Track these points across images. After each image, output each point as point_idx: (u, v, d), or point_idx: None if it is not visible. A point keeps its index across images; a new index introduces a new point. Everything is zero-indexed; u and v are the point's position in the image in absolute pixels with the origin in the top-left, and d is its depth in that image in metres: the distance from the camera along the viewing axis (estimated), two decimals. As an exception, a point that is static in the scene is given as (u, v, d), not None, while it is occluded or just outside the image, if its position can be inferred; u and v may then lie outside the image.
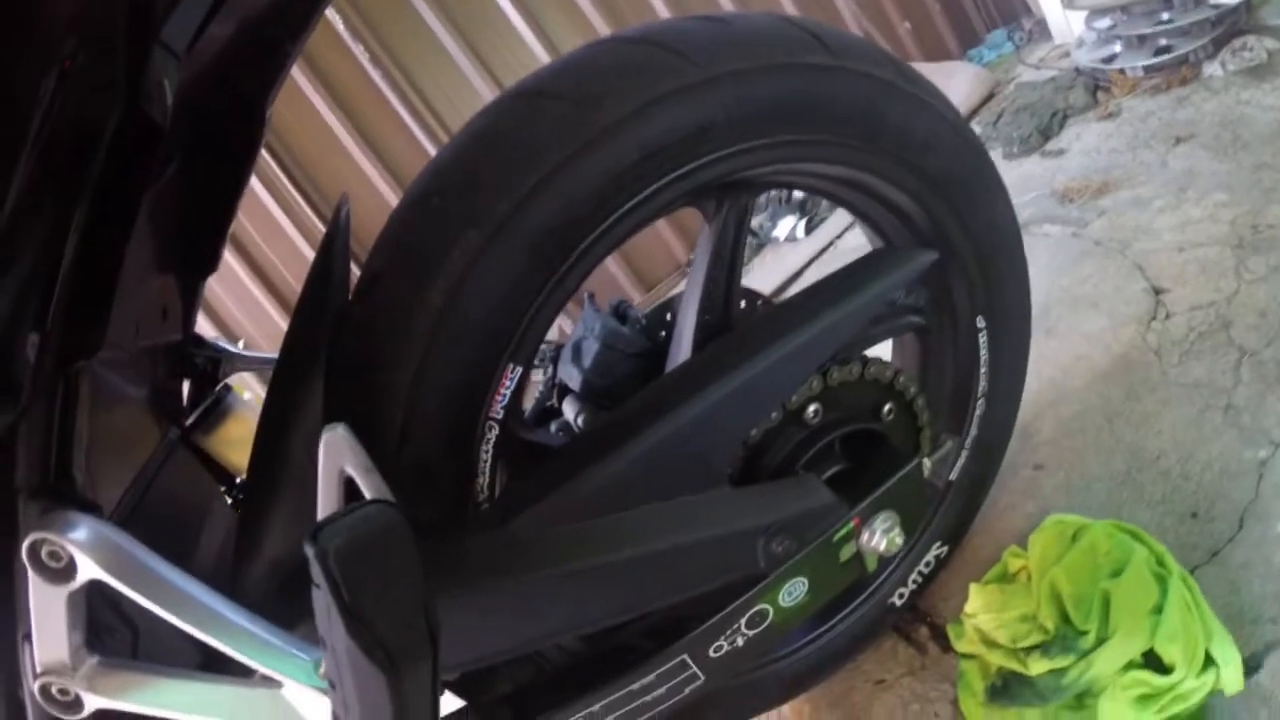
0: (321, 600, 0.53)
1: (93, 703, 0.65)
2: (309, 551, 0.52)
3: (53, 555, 0.59)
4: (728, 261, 1.00)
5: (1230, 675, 1.07)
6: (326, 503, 0.67)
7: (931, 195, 1.07)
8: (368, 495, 0.61)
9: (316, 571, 0.52)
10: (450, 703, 0.97)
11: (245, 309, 3.19)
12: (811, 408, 0.97)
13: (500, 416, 0.87)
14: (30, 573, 0.59)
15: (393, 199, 3.20)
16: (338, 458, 0.64)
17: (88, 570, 0.60)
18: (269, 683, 0.66)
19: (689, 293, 1.01)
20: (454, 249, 0.79)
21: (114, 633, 0.73)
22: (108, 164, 0.64)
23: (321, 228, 3.16)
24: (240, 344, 3.04)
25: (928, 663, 1.37)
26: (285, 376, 0.89)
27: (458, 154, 0.85)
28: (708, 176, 0.89)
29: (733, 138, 0.88)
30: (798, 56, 0.91)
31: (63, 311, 0.64)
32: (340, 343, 0.84)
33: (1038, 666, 1.19)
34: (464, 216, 0.80)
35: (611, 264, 3.36)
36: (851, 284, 0.95)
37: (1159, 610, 1.14)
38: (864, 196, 1.09)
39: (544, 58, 3.32)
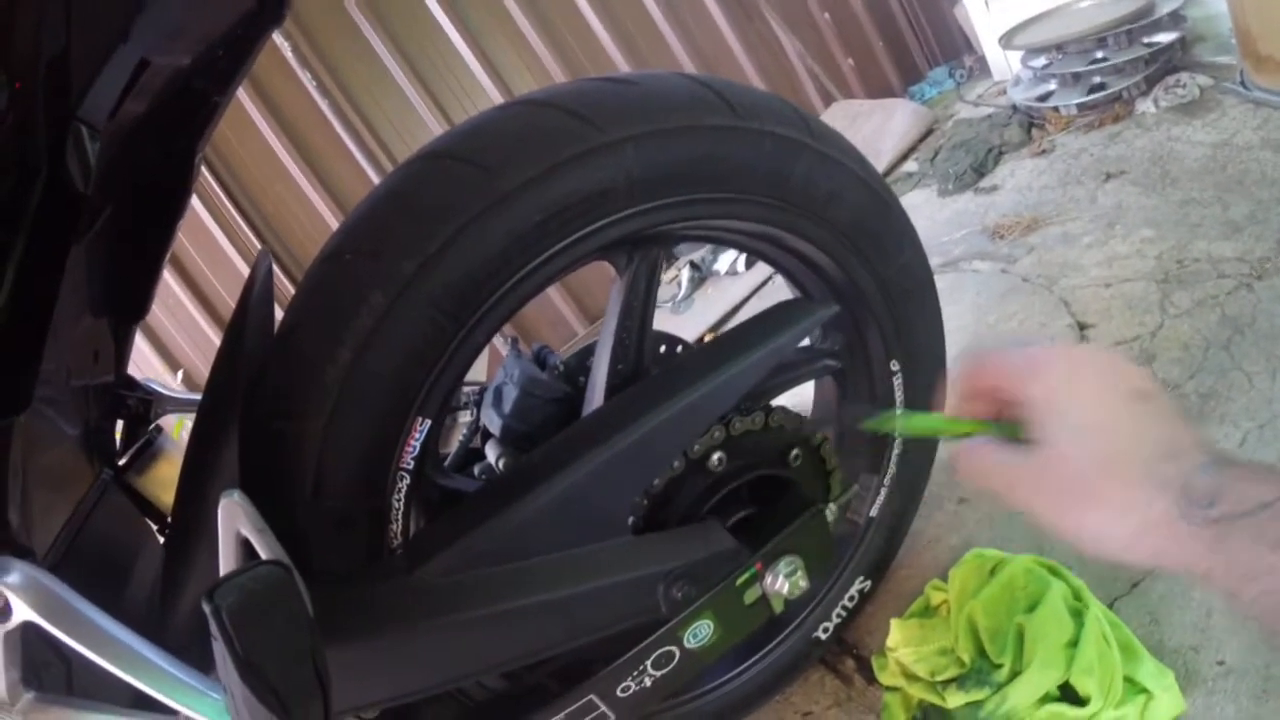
0: (219, 651, 0.58)
1: None
2: (206, 608, 0.58)
3: None
4: (639, 313, 1.03)
5: (1169, 701, 1.10)
6: (226, 563, 0.71)
7: (840, 247, 1.11)
8: (262, 555, 0.65)
9: (213, 626, 0.57)
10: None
11: (188, 335, 3.17)
12: (715, 456, 1.00)
13: (411, 467, 0.90)
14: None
15: (334, 223, 3.22)
16: (234, 521, 0.68)
17: (21, 613, 0.65)
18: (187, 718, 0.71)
19: (602, 343, 1.05)
20: (361, 307, 0.82)
21: (50, 667, 0.76)
22: (31, 230, 0.68)
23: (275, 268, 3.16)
24: (179, 374, 3.01)
25: (854, 694, 1.40)
26: (204, 426, 0.92)
27: (369, 212, 0.88)
28: (612, 236, 0.92)
29: (635, 199, 0.91)
30: (700, 118, 0.94)
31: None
32: (260, 389, 0.86)
33: (955, 699, 1.23)
34: (371, 276, 0.83)
35: (556, 298, 3.41)
36: (750, 340, 0.98)
37: (1074, 644, 1.17)
38: (775, 249, 1.13)
39: (490, 88, 3.37)
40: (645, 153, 0.90)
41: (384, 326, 0.83)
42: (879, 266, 1.17)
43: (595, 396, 1.03)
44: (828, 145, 1.07)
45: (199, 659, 0.72)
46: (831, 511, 1.04)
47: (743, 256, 3.08)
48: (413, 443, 0.89)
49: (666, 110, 0.92)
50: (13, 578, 0.66)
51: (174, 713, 0.70)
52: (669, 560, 0.90)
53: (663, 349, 1.18)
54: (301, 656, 0.60)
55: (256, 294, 0.95)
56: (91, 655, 0.67)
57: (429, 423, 0.89)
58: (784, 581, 0.98)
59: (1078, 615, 1.21)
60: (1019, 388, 0.50)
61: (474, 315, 0.87)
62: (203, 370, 3.26)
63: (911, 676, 1.30)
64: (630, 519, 0.96)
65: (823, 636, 1.39)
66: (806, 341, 1.24)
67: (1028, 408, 0.49)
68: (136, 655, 0.68)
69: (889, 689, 1.34)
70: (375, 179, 3.24)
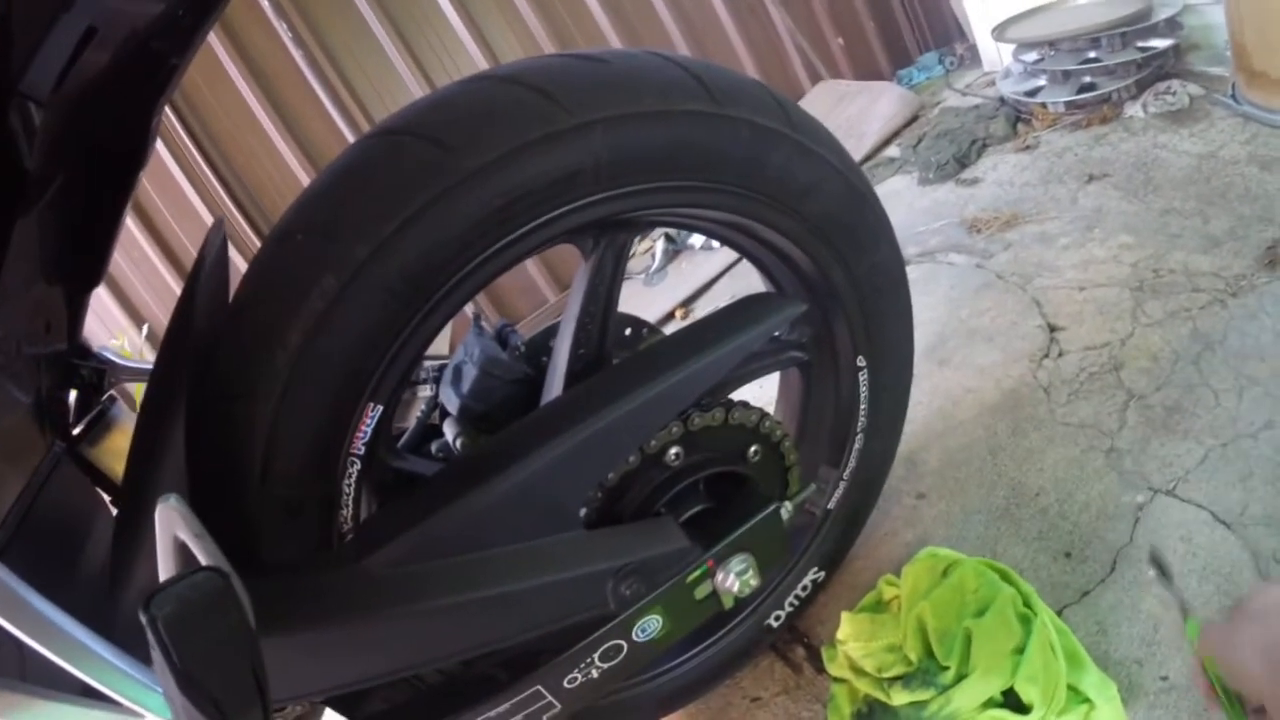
0: (159, 660, 0.57)
1: None
2: (143, 618, 0.57)
3: None
4: (603, 298, 1.01)
5: (1110, 712, 1.12)
6: (165, 569, 0.70)
7: (813, 239, 1.10)
8: (201, 561, 0.64)
9: (150, 636, 0.56)
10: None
11: (153, 290, 3.08)
12: (672, 451, 0.99)
13: (362, 452, 0.88)
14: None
15: (307, 183, 3.14)
16: (171, 526, 0.67)
17: None
18: (133, 710, 0.71)
19: (564, 326, 1.03)
20: (312, 290, 0.79)
21: (3, 648, 0.75)
22: None
23: (234, 210, 3.08)
24: (145, 329, 2.95)
25: (802, 683, 1.42)
26: (153, 404, 0.89)
27: (323, 190, 0.85)
28: (577, 221, 0.90)
29: (602, 184, 0.89)
30: (675, 103, 0.91)
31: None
32: (209, 369, 0.83)
33: (899, 698, 1.24)
34: (323, 259, 0.80)
35: (527, 265, 3.37)
36: (715, 335, 0.96)
37: (1021, 650, 1.18)
38: (747, 239, 1.11)
39: (474, 50, 3.28)
40: (616, 137, 0.87)
41: (335, 310, 0.80)
42: (852, 262, 1.15)
43: (555, 381, 1.02)
44: (807, 136, 1.05)
45: (143, 647, 0.72)
46: (787, 510, 1.03)
47: (711, 236, 3.06)
48: (364, 428, 0.87)
49: (640, 93, 0.89)
50: None
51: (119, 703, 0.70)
52: (620, 556, 0.89)
53: (627, 332, 1.16)
54: (241, 665, 0.59)
55: (209, 267, 0.91)
56: (37, 646, 0.66)
57: (380, 408, 0.87)
58: (735, 579, 0.97)
59: (1026, 622, 1.22)
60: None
61: (430, 300, 0.84)
62: (166, 324, 3.18)
63: (859, 671, 1.31)
64: (583, 511, 0.94)
65: (774, 624, 1.40)
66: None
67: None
68: (82, 648, 0.68)
69: (836, 680, 1.35)
70: (349, 134, 3.16)
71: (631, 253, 1.03)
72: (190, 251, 3.08)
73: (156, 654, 0.57)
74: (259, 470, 0.83)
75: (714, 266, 2.93)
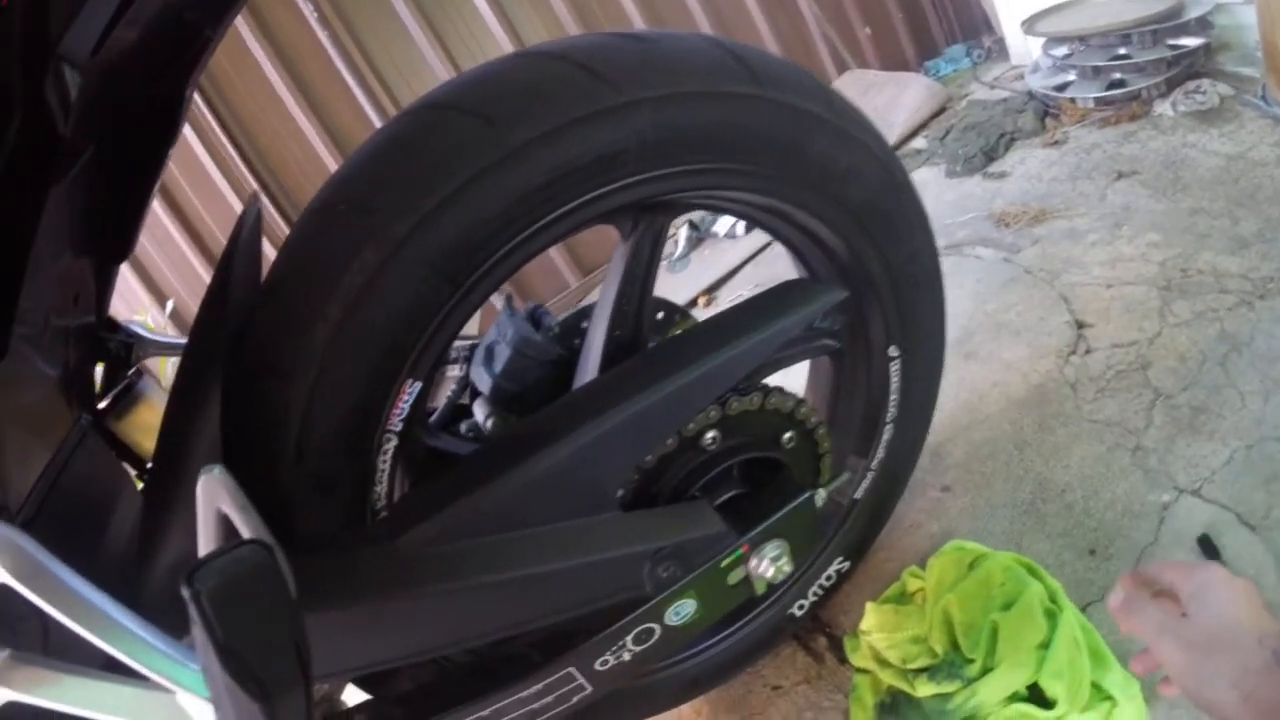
0: (200, 636, 0.56)
1: (3, 695, 0.67)
2: (185, 593, 0.55)
3: None
4: (640, 280, 1.01)
5: (1132, 710, 1.11)
6: (206, 542, 0.69)
7: (851, 227, 1.09)
8: (244, 534, 0.63)
9: (193, 611, 0.55)
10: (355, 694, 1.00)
11: (176, 268, 3.09)
12: (709, 435, 0.98)
13: (399, 429, 0.87)
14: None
15: (331, 164, 3.13)
16: (214, 498, 0.66)
17: None
18: (164, 687, 0.69)
19: (600, 308, 1.02)
20: (352, 265, 0.78)
21: (25, 621, 0.74)
22: (6, 172, 0.64)
23: (257, 188, 3.08)
24: (168, 306, 2.95)
25: (824, 672, 1.41)
26: (187, 378, 0.88)
27: (365, 163, 0.84)
28: (619, 201, 0.89)
29: (646, 164, 0.88)
30: (720, 84, 0.91)
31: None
32: (242, 344, 0.83)
33: (924, 689, 1.24)
34: (364, 233, 0.79)
35: (554, 249, 3.35)
36: (755, 319, 0.96)
37: (1046, 646, 1.18)
38: (785, 224, 1.10)
39: (501, 35, 3.26)
40: (661, 116, 0.86)
41: (376, 286, 0.79)
42: (888, 250, 1.14)
43: (590, 362, 1.01)
44: (847, 121, 1.04)
45: (177, 622, 0.71)
46: (822, 497, 1.03)
47: (742, 221, 3.04)
48: (401, 404, 0.87)
49: (686, 73, 0.88)
50: None
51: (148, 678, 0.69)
52: (657, 539, 0.89)
53: (659, 315, 1.16)
54: (284, 641, 0.58)
55: (244, 241, 0.91)
56: (68, 622, 0.65)
57: (419, 384, 0.87)
58: (769, 565, 0.97)
59: (1051, 617, 1.22)
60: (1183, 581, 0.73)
61: (470, 277, 0.84)
62: (190, 304, 3.18)
63: (883, 661, 1.31)
64: (619, 493, 0.94)
65: (798, 613, 1.40)
66: (805, 320, 1.21)
67: (1186, 596, 0.72)
68: (114, 621, 0.66)
69: (859, 670, 1.35)
70: (374, 117, 3.15)
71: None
72: (213, 229, 3.09)
73: (197, 629, 0.56)
74: (294, 445, 0.83)
75: (738, 254, 2.91)
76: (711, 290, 2.86)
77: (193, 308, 3.17)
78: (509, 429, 1.03)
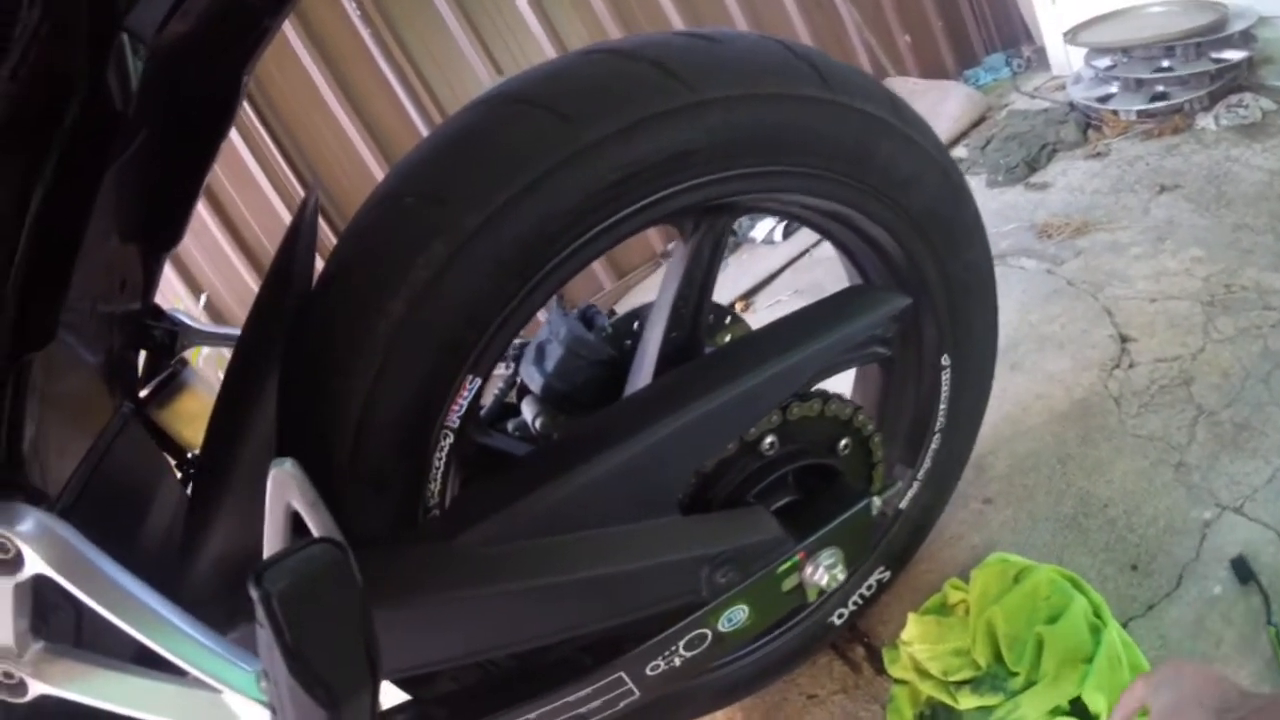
0: (265, 638, 0.54)
1: (37, 688, 0.65)
2: (253, 594, 0.53)
3: (1, 547, 0.59)
4: (700, 282, 1.00)
5: None
6: (273, 538, 0.67)
7: (911, 234, 1.08)
8: (314, 532, 0.61)
9: (260, 613, 0.53)
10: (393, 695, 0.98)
11: (211, 260, 3.10)
12: (768, 440, 0.97)
13: (456, 425, 0.86)
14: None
15: (372, 162, 3.13)
16: (284, 493, 0.64)
17: (34, 564, 0.60)
18: (210, 686, 0.67)
19: (658, 309, 1.01)
20: (419, 257, 0.77)
21: (58, 611, 0.72)
22: (65, 150, 0.62)
23: (298, 187, 3.08)
24: (202, 299, 2.96)
25: (860, 682, 1.40)
26: (241, 373, 0.87)
27: (434, 154, 0.83)
28: (685, 201, 0.88)
29: (715, 164, 0.87)
30: (791, 87, 0.90)
31: (16, 299, 0.62)
32: (300, 337, 0.82)
33: (966, 701, 1.22)
34: (433, 226, 0.78)
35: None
36: (821, 324, 0.94)
37: (1089, 660, 1.16)
38: (844, 229, 1.09)
39: (543, 39, 3.26)
40: (732, 117, 0.85)
41: (443, 280, 0.78)
42: (946, 258, 1.13)
43: (646, 363, 1.00)
44: (912, 128, 1.03)
45: (219, 616, 0.69)
46: (876, 505, 1.01)
47: (780, 226, 3.02)
48: (460, 401, 0.85)
49: (758, 74, 0.88)
50: (26, 526, 0.61)
51: (184, 671, 0.67)
52: (715, 544, 0.87)
53: (711, 318, 1.14)
54: (354, 645, 0.56)
55: (304, 232, 0.90)
56: (110, 615, 0.63)
57: (479, 381, 0.86)
58: (824, 573, 0.96)
59: (1095, 632, 1.21)
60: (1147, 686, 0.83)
61: (537, 274, 0.83)
62: (225, 297, 3.20)
63: (923, 673, 1.29)
64: (678, 497, 0.93)
65: (837, 622, 1.38)
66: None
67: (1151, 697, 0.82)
68: (159, 617, 0.64)
69: (898, 682, 1.34)
70: (415, 115, 3.15)
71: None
72: (250, 223, 3.09)
73: (265, 631, 0.54)
74: (351, 440, 0.81)
75: (776, 260, 2.89)
76: (749, 296, 2.84)
77: (228, 300, 3.19)
78: (570, 429, 1.02)
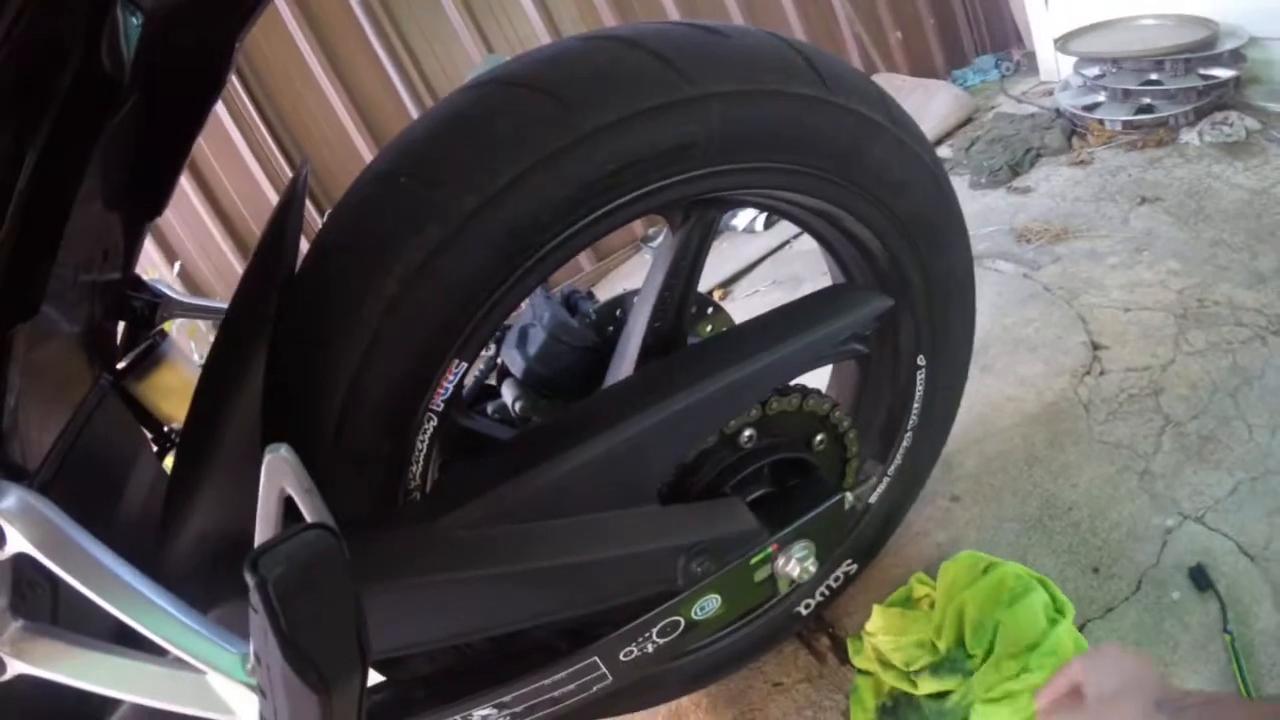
0: (258, 622, 0.54)
1: (15, 667, 0.64)
2: (249, 579, 0.53)
3: None
4: (686, 273, 1.00)
5: None
6: (266, 524, 0.66)
7: (897, 235, 1.09)
8: (308, 517, 0.61)
9: (255, 599, 0.53)
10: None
11: (189, 227, 3.03)
12: (747, 433, 0.98)
13: (440, 408, 0.87)
14: (-45, 538, 0.58)
15: (357, 137, 3.09)
16: (279, 478, 0.64)
17: (15, 543, 0.59)
18: (194, 668, 0.66)
19: (643, 298, 1.01)
20: (414, 238, 0.77)
21: (35, 588, 0.71)
22: (58, 120, 0.61)
23: (282, 161, 3.03)
24: (176, 266, 2.91)
25: (825, 672, 1.43)
26: (226, 348, 0.85)
27: (430, 135, 0.82)
28: (679, 194, 0.88)
29: (711, 159, 0.87)
30: (790, 85, 0.90)
31: (2, 271, 0.61)
32: (288, 312, 0.81)
33: (926, 686, 1.26)
34: (429, 207, 0.78)
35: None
36: (805, 321, 0.96)
37: (1038, 647, 1.20)
38: (831, 228, 1.10)
39: (536, 20, 3.23)
40: (731, 111, 0.86)
41: (436, 262, 0.78)
42: (929, 261, 1.15)
43: (629, 351, 1.01)
44: (905, 131, 1.04)
45: (199, 595, 0.68)
46: (850, 500, 1.03)
47: (761, 217, 3.02)
48: (446, 384, 0.86)
49: (758, 70, 0.88)
50: (6, 503, 0.60)
51: (164, 651, 0.66)
52: (692, 534, 0.89)
53: (693, 310, 1.15)
54: (345, 629, 0.56)
55: (294, 208, 0.88)
56: (93, 595, 0.62)
57: (465, 365, 0.86)
58: (795, 564, 0.98)
59: (1052, 623, 1.24)
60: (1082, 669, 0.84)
61: (529, 259, 0.83)
62: (201, 266, 3.14)
63: (886, 664, 1.33)
64: (658, 486, 0.94)
65: (803, 612, 1.41)
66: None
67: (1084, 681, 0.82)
68: (143, 598, 0.63)
69: (861, 672, 1.37)
70: (406, 98, 3.11)
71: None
72: (229, 192, 3.03)
73: (258, 616, 0.54)
74: (335, 421, 0.81)
75: (755, 250, 2.90)
76: (728, 284, 2.85)
77: (203, 269, 3.13)
78: (552, 414, 1.02)
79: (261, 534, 0.65)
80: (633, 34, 0.86)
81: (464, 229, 0.78)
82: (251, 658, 0.62)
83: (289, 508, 0.64)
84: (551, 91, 0.80)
